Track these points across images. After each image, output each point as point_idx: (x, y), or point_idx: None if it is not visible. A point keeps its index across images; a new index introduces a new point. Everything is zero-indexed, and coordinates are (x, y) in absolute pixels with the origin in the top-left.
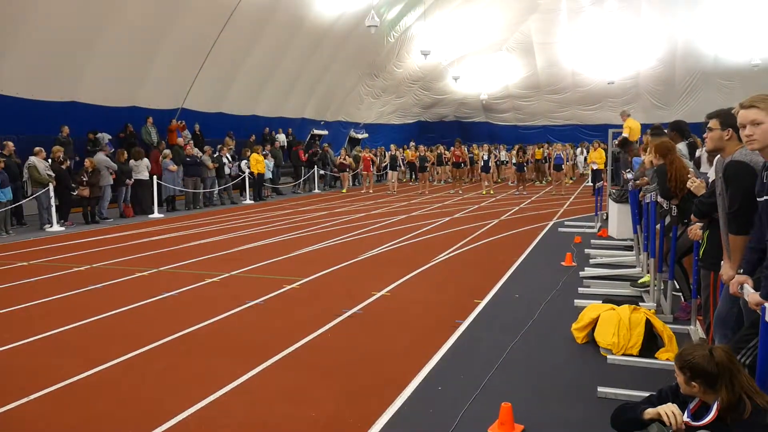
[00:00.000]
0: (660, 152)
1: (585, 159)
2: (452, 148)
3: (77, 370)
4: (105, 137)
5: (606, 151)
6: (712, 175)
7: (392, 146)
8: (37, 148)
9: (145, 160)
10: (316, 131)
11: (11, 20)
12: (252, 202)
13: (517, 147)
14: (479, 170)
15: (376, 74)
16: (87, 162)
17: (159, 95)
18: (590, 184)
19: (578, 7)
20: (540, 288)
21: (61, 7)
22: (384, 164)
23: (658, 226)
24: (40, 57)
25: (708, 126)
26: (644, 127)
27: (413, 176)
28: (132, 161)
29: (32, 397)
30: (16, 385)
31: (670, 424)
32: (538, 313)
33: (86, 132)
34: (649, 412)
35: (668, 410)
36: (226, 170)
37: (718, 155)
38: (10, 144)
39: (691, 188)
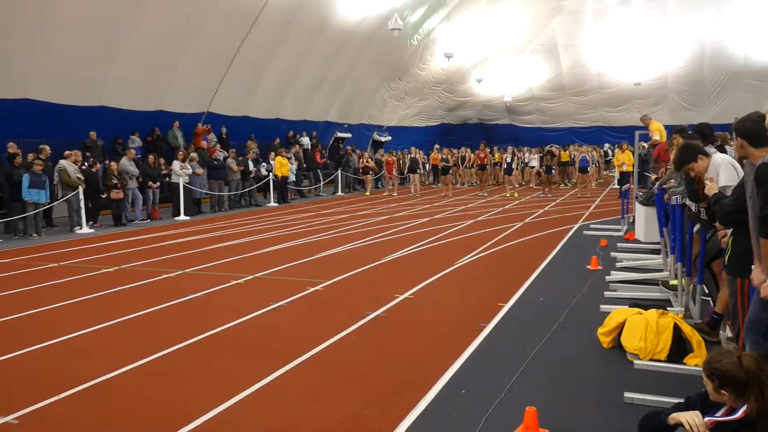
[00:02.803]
0: None
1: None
2: (477, 151)
3: (104, 370)
4: (135, 140)
5: (633, 152)
6: (722, 175)
7: (413, 148)
8: (67, 152)
9: (175, 162)
10: (339, 134)
11: (41, 27)
12: (276, 204)
13: (545, 150)
14: (502, 173)
15: (400, 77)
16: (113, 165)
17: (185, 99)
18: (617, 186)
19: (603, 7)
20: (565, 291)
21: (89, 15)
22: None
23: (694, 229)
24: (70, 63)
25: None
26: (668, 129)
27: (436, 179)
28: (175, 162)
29: (60, 396)
30: (44, 385)
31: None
32: (563, 317)
33: (114, 136)
34: (674, 418)
35: (689, 418)
36: (252, 173)
37: (747, 160)
38: (47, 148)
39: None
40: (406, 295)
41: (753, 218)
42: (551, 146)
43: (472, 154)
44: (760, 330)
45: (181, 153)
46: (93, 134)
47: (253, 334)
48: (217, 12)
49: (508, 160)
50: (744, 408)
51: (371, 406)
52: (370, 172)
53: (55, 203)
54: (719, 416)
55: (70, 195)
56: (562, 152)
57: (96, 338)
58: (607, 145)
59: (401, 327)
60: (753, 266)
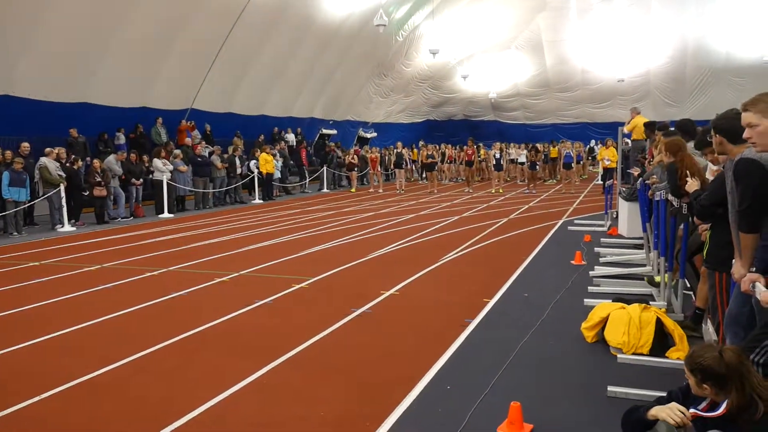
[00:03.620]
0: (670, 150)
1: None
2: (465, 147)
3: (87, 369)
4: (121, 137)
5: (616, 148)
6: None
7: (398, 144)
8: (47, 149)
9: (156, 160)
10: (325, 131)
11: (23, 23)
12: (261, 201)
13: (530, 146)
14: (491, 169)
15: (385, 73)
16: (96, 163)
17: (169, 96)
18: (600, 182)
19: (587, 4)
20: (549, 287)
21: (72, 10)
22: (392, 162)
23: (681, 227)
24: (52, 59)
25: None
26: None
27: (422, 175)
28: (156, 160)
29: (43, 396)
30: (26, 385)
31: (676, 423)
32: (547, 313)
33: (97, 132)
34: (653, 414)
35: (671, 414)
36: (238, 170)
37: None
38: (26, 144)
39: (686, 186)
40: (392, 291)
41: (732, 213)
42: (564, 141)
43: (454, 151)
44: (740, 323)
45: (163, 151)
46: (74, 131)
47: (238, 332)
48: (201, 8)
49: (497, 156)
50: (725, 403)
51: (357, 403)
52: (356, 169)
53: (36, 201)
54: (701, 410)
55: (52, 193)
56: (551, 148)
57: (78, 337)
58: (593, 141)
59: (387, 324)
60: (734, 260)
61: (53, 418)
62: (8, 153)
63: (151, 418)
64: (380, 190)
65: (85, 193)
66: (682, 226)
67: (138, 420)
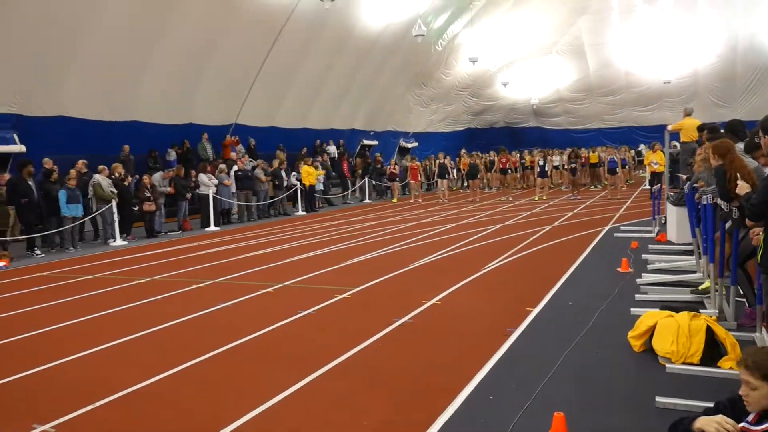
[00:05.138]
0: (718, 152)
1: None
2: (498, 156)
3: (138, 379)
4: (172, 153)
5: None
6: None
7: (440, 154)
8: (101, 167)
9: (201, 175)
10: (366, 142)
11: (75, 46)
12: (304, 213)
13: (569, 151)
14: (536, 176)
15: (425, 83)
16: (146, 179)
17: (213, 112)
18: (647, 187)
19: (630, 5)
20: (595, 295)
21: (119, 32)
22: (433, 172)
23: (718, 234)
24: (102, 80)
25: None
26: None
27: (464, 184)
28: (201, 174)
29: (96, 404)
30: (80, 394)
31: None
32: (592, 321)
33: (146, 149)
34: (698, 426)
35: (717, 425)
36: (285, 183)
37: None
38: (81, 162)
39: (736, 189)
40: (434, 301)
41: None
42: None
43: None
44: None
45: (209, 167)
46: (126, 148)
47: (282, 342)
48: (243, 25)
49: (541, 163)
50: None
51: (399, 413)
52: (397, 179)
53: (90, 216)
54: (750, 422)
55: (104, 208)
56: (591, 154)
57: (130, 348)
58: (642, 146)
59: (429, 333)
60: None
61: (106, 426)
62: (72, 172)
63: (197, 428)
64: (419, 200)
65: (135, 208)
66: (731, 230)
67: (185, 429)
